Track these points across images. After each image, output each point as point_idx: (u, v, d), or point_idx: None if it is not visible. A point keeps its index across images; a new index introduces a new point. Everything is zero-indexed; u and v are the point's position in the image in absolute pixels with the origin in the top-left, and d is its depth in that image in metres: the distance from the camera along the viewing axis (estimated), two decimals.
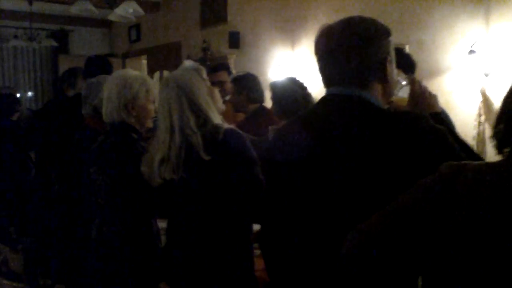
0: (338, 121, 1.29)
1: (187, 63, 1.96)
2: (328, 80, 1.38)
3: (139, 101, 2.16)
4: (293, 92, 2.92)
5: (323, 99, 1.39)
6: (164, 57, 7.00)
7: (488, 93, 3.33)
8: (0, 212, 4.38)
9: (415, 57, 3.71)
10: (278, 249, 1.45)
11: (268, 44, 5.23)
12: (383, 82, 1.34)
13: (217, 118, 1.88)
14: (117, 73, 2.23)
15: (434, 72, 3.65)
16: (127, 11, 4.35)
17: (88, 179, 2.27)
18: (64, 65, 8.02)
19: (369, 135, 1.22)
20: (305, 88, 3.02)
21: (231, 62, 5.72)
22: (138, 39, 7.91)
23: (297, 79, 3.09)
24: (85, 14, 7.00)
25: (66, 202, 2.67)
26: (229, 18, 5.80)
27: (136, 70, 7.15)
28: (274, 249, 1.48)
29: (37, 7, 7.00)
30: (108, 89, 2.16)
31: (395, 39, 3.90)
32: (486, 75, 3.31)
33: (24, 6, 6.89)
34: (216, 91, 2.00)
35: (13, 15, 7.61)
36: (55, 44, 7.47)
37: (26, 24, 7.35)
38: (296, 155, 1.32)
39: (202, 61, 5.98)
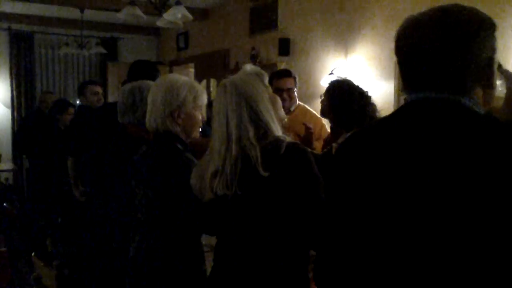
0: (434, 133, 1.04)
1: (248, 67, 1.74)
2: (414, 83, 1.14)
3: (186, 108, 1.98)
4: (350, 102, 2.68)
5: (409, 105, 1.15)
6: (211, 65, 6.89)
7: None
8: (39, 223, 4.33)
9: None
10: (341, 282, 1.22)
11: (320, 52, 5.00)
12: (487, 87, 1.09)
13: (278, 130, 1.67)
14: (164, 78, 2.06)
15: None
16: (176, 16, 4.22)
17: (128, 192, 2.11)
18: (112, 72, 8.08)
19: (480, 152, 0.97)
20: (365, 97, 2.78)
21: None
22: (186, 46, 7.85)
23: (358, 85, 2.85)
24: (133, 21, 7.00)
25: (104, 217, 2.51)
26: (279, 24, 5.62)
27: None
28: (335, 281, 1.25)
29: (87, 15, 7.05)
30: (153, 94, 1.99)
31: None
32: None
33: (75, 14, 6.95)
34: (278, 99, 1.78)
35: (65, 23, 7.71)
36: (104, 51, 7.50)
37: (77, 32, 7.42)
38: (377, 173, 1.08)
39: None
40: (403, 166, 1.04)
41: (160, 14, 4.46)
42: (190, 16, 4.32)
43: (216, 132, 1.66)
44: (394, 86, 4.14)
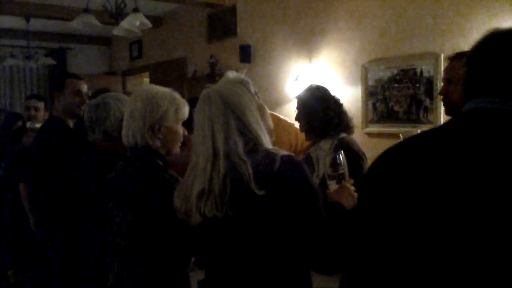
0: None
1: (230, 74, 1.60)
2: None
3: (167, 122, 1.83)
4: (325, 110, 2.59)
5: (474, 113, 1.02)
6: (168, 74, 6.68)
7: None
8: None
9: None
10: None
11: (282, 57, 4.91)
12: None
13: (268, 142, 1.53)
14: (142, 89, 1.90)
15: None
16: (134, 24, 4.02)
17: (103, 215, 1.92)
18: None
19: None
20: (340, 105, 2.70)
21: None
22: (139, 55, 7.60)
23: (327, 91, 2.76)
24: (83, 30, 6.71)
25: (72, 243, 2.30)
26: (238, 31, 5.49)
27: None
28: None
29: (34, 25, 6.70)
30: (131, 107, 1.82)
31: (427, 48, 3.64)
32: None
33: (21, 24, 6.59)
34: (266, 108, 1.65)
35: (10, 33, 7.31)
36: (53, 62, 7.15)
37: (23, 42, 7.04)
38: (432, 191, 0.95)
39: (209, 77, 5.68)
40: (471, 182, 0.92)
41: (116, 23, 4.24)
42: (148, 24, 4.13)
43: (198, 148, 1.50)
44: (361, 91, 4.09)
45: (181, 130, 1.91)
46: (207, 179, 1.46)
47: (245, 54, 5.28)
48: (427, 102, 3.62)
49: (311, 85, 2.79)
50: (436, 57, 3.53)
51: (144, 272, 1.78)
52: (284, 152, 1.49)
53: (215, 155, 1.46)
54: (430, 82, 3.59)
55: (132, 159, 1.86)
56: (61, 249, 2.71)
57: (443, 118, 3.53)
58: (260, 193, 1.38)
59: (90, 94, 3.31)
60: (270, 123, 1.64)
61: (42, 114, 4.34)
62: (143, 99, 1.80)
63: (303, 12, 4.66)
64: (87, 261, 2.21)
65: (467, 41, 3.37)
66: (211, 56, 5.81)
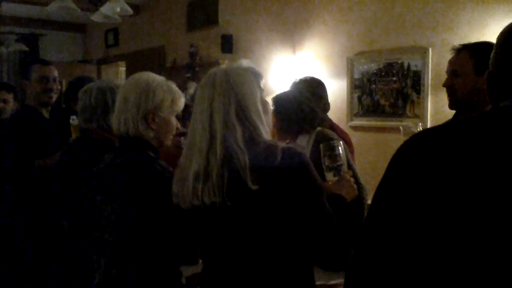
0: None
1: (245, 62, 1.51)
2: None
3: (162, 112, 1.73)
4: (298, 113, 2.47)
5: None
6: (145, 63, 6.50)
7: None
8: None
9: (440, 60, 3.41)
10: None
11: (266, 48, 4.83)
12: None
13: (267, 135, 1.46)
14: (137, 76, 1.78)
15: None
16: (114, 10, 3.87)
17: (91, 208, 1.82)
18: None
19: None
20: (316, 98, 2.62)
21: None
22: (115, 44, 7.40)
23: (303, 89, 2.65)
24: (57, 16, 6.49)
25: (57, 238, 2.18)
26: (220, 20, 5.38)
27: (113, 78, 6.62)
28: None
29: (6, 9, 6.43)
30: (125, 93, 1.72)
31: (415, 42, 3.61)
32: None
33: None
34: (270, 106, 1.57)
35: None
36: (25, 48, 6.89)
37: None
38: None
39: (189, 67, 5.56)
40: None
41: (95, 8, 4.09)
42: (129, 10, 3.99)
43: (196, 125, 1.43)
44: (347, 84, 4.05)
45: (175, 122, 1.82)
46: (203, 160, 1.38)
47: (227, 44, 5.18)
48: (414, 96, 3.59)
49: (279, 94, 2.63)
50: (424, 51, 3.51)
51: (136, 270, 1.68)
52: (283, 144, 1.41)
53: (212, 137, 1.38)
54: (417, 76, 3.56)
55: (122, 149, 1.76)
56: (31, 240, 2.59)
57: (429, 112, 3.51)
58: (254, 188, 1.31)
59: (62, 81, 3.17)
60: (270, 121, 1.56)
61: (11, 107, 3.94)
62: (138, 86, 1.71)
63: (288, 3, 4.58)
64: (70, 258, 2.10)
65: (455, 35, 3.35)
66: (191, 46, 5.69)
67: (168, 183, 1.54)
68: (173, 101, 1.77)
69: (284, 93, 2.58)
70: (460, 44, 2.00)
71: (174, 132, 1.85)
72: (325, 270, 1.47)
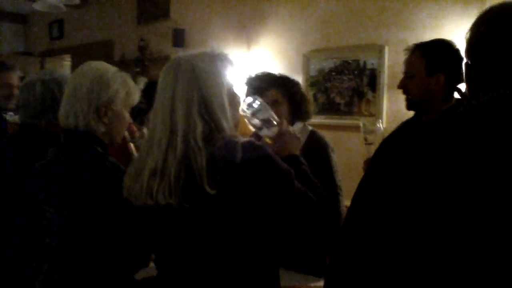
0: None
1: (215, 48, 1.37)
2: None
3: (116, 105, 1.59)
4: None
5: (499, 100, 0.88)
6: (93, 57, 6.21)
7: None
8: None
9: (396, 59, 3.38)
10: None
11: (219, 43, 4.69)
12: None
13: (230, 131, 1.33)
14: (90, 65, 1.62)
15: None
16: None
17: (31, 210, 1.65)
18: None
19: None
20: None
21: None
22: (60, 36, 7.06)
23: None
24: (1, 4, 6.11)
25: None
26: (172, 13, 5.20)
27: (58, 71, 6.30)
28: None
29: None
30: (75, 83, 1.56)
31: (372, 40, 3.58)
32: None
33: None
34: (239, 98, 1.44)
35: None
36: None
37: None
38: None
39: (138, 61, 5.36)
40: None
41: None
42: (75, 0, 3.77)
43: (157, 117, 1.29)
44: (302, 82, 3.97)
45: (128, 117, 1.67)
46: (161, 156, 1.25)
47: (179, 38, 5.01)
48: (370, 94, 3.56)
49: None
50: (380, 49, 3.48)
51: (80, 277, 1.53)
52: (243, 138, 1.29)
53: (172, 131, 1.26)
54: (373, 74, 3.54)
55: (67, 145, 1.59)
56: None
57: (385, 110, 3.50)
58: (212, 192, 1.19)
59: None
60: (238, 116, 1.44)
61: None
62: (91, 76, 1.55)
63: None
64: (8, 262, 1.90)
65: (412, 34, 3.34)
66: (141, 39, 5.47)
67: (119, 182, 1.40)
68: (128, 94, 1.63)
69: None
70: (413, 44, 1.95)
71: (126, 128, 1.71)
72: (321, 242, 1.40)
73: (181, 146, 1.23)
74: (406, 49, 1.98)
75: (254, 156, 1.25)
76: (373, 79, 3.54)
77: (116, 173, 1.53)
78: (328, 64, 3.80)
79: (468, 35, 1.03)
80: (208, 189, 1.19)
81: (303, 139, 2.28)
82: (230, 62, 1.37)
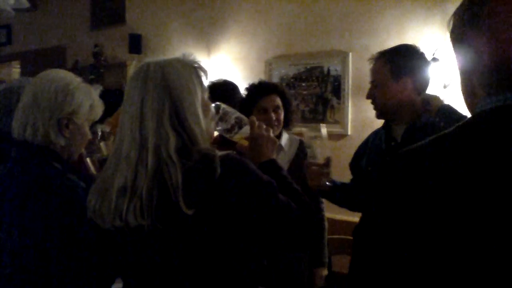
0: None
1: (186, 55, 1.26)
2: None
3: (78, 119, 1.45)
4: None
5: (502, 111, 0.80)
6: (44, 64, 5.94)
7: None
8: None
9: (360, 65, 3.35)
10: None
11: (178, 50, 4.55)
12: None
13: (205, 143, 1.22)
14: (52, 73, 1.48)
15: None
16: (7, 2, 3.43)
17: None
18: None
19: None
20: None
21: (130, 70, 4.96)
22: (8, 42, 6.73)
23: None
24: None
25: None
26: (127, 18, 5.03)
27: (5, 79, 5.95)
28: None
29: None
30: (35, 93, 1.41)
31: (335, 46, 3.54)
32: (445, 87, 3.00)
33: None
34: (212, 108, 1.33)
35: None
36: None
37: None
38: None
39: (93, 68, 5.15)
40: None
41: None
42: (25, 3, 3.56)
43: (125, 130, 1.17)
44: None
45: (89, 133, 1.54)
46: (131, 172, 1.13)
47: (135, 45, 4.86)
48: (334, 101, 3.52)
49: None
50: (344, 56, 3.44)
51: None
52: (220, 152, 1.19)
53: (142, 144, 1.14)
54: (337, 81, 3.49)
55: (20, 160, 1.44)
56: None
57: (350, 117, 3.45)
58: (189, 212, 1.08)
59: None
60: (212, 128, 1.33)
61: None
62: (55, 84, 1.41)
63: (202, 2, 4.35)
64: None
65: (375, 40, 3.32)
66: (95, 45, 5.27)
67: (82, 202, 1.27)
68: (92, 108, 1.50)
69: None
70: (377, 52, 1.89)
71: (85, 144, 1.57)
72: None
73: (152, 161, 1.12)
74: (370, 58, 1.92)
75: (234, 171, 1.15)
76: (337, 86, 3.49)
77: (77, 192, 1.39)
78: (291, 71, 3.73)
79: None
80: (184, 208, 1.08)
81: (293, 150, 2.23)
82: (203, 69, 1.26)
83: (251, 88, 2.18)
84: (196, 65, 1.24)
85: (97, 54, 5.25)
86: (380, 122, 1.93)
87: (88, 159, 1.85)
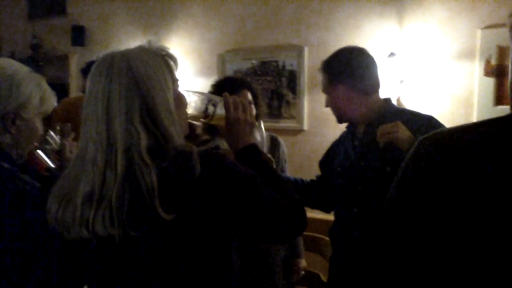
0: None
1: (153, 42, 1.14)
2: None
3: (26, 113, 1.30)
4: None
5: None
6: None
7: (402, 101, 3.04)
8: None
9: (316, 60, 3.31)
10: None
11: (125, 43, 4.35)
12: None
13: (179, 138, 1.12)
14: None
15: None
16: None
17: None
18: None
19: None
20: None
21: (73, 63, 4.72)
22: None
23: None
24: None
25: None
26: (69, 9, 4.77)
27: None
28: None
29: None
30: None
31: (291, 40, 3.49)
32: (401, 82, 3.02)
33: None
34: (185, 100, 1.21)
35: None
36: None
37: None
38: None
39: (31, 61, 4.86)
40: None
41: None
42: None
43: (89, 130, 1.05)
44: None
45: (40, 127, 1.39)
46: (98, 177, 1.01)
47: (78, 36, 4.63)
48: (290, 96, 3.47)
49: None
50: (300, 50, 3.40)
51: None
52: (197, 148, 1.08)
53: (110, 145, 1.02)
54: (293, 76, 3.44)
55: None
56: None
57: (306, 113, 3.42)
58: (169, 217, 0.98)
59: None
60: (186, 122, 1.22)
61: None
62: None
63: None
64: None
65: (331, 35, 3.30)
66: (34, 37, 4.98)
67: (39, 206, 1.14)
68: (43, 100, 1.35)
69: None
70: (321, 63, 1.91)
71: (36, 139, 1.42)
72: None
73: (122, 163, 1.00)
74: (318, 70, 1.93)
75: (215, 168, 1.05)
76: (293, 81, 3.44)
77: (33, 195, 1.26)
78: (245, 65, 3.65)
79: None
80: (163, 213, 0.97)
81: (268, 144, 2.15)
82: (172, 57, 1.15)
83: (220, 85, 2.04)
84: (164, 53, 1.12)
85: (35, 46, 4.97)
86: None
87: (39, 152, 1.69)
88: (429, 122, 1.70)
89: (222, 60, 3.75)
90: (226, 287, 1.15)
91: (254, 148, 1.28)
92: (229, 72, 3.71)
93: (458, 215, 0.77)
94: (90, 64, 2.86)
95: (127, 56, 1.07)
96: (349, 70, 1.79)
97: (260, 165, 1.22)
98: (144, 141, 1.02)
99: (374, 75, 1.82)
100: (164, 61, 1.11)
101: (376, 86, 1.83)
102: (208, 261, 1.09)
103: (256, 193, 1.10)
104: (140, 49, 1.11)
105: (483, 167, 0.76)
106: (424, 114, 1.77)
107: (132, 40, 4.29)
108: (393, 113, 1.77)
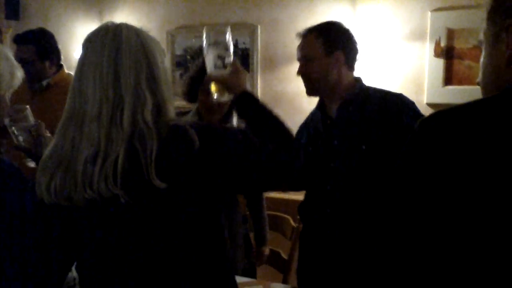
0: None
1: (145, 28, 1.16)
2: None
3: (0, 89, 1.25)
4: None
5: None
6: None
7: None
8: None
9: (269, 38, 3.31)
10: None
11: (65, 17, 4.15)
12: None
13: (173, 113, 1.12)
14: None
15: (292, 56, 3.28)
16: None
17: None
18: None
19: None
20: None
21: (7, 37, 4.44)
22: None
23: None
24: None
25: None
26: None
27: None
28: None
29: None
30: None
31: (243, 18, 3.46)
32: None
33: None
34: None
35: None
36: None
37: None
38: None
39: None
40: None
41: None
42: None
43: (86, 93, 1.04)
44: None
45: (8, 103, 1.34)
46: (103, 134, 1.01)
47: (12, 9, 4.34)
48: None
49: None
50: (253, 28, 3.37)
51: None
52: (190, 122, 1.10)
53: (117, 104, 1.02)
54: (246, 54, 3.42)
55: None
56: None
57: (259, 91, 3.42)
58: (162, 186, 0.99)
59: None
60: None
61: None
62: None
63: None
64: None
65: (284, 13, 3.30)
66: None
67: (23, 182, 1.17)
68: (13, 75, 1.29)
69: None
70: (305, 29, 1.88)
71: (4, 113, 1.37)
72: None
73: (128, 120, 1.01)
74: (297, 34, 1.89)
75: (214, 141, 1.07)
76: (246, 59, 3.42)
77: (10, 175, 1.20)
78: (196, 42, 3.58)
79: None
80: (156, 182, 0.98)
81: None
82: (164, 50, 1.20)
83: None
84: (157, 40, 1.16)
85: None
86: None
87: (13, 128, 1.61)
88: (401, 99, 1.75)
89: (171, 37, 3.66)
90: (220, 255, 1.18)
91: (251, 94, 1.33)
92: (179, 50, 3.64)
93: (472, 196, 0.79)
94: (25, 33, 2.68)
95: (134, 28, 1.10)
96: (348, 39, 1.79)
97: (259, 108, 1.28)
98: (149, 104, 1.03)
99: (357, 50, 1.83)
100: (160, 46, 1.15)
101: (355, 61, 1.83)
102: (202, 228, 1.12)
103: (258, 156, 1.13)
104: (146, 31, 1.13)
105: (494, 146, 0.78)
106: (393, 92, 1.81)
107: (72, 14, 4.10)
108: (365, 91, 1.79)
